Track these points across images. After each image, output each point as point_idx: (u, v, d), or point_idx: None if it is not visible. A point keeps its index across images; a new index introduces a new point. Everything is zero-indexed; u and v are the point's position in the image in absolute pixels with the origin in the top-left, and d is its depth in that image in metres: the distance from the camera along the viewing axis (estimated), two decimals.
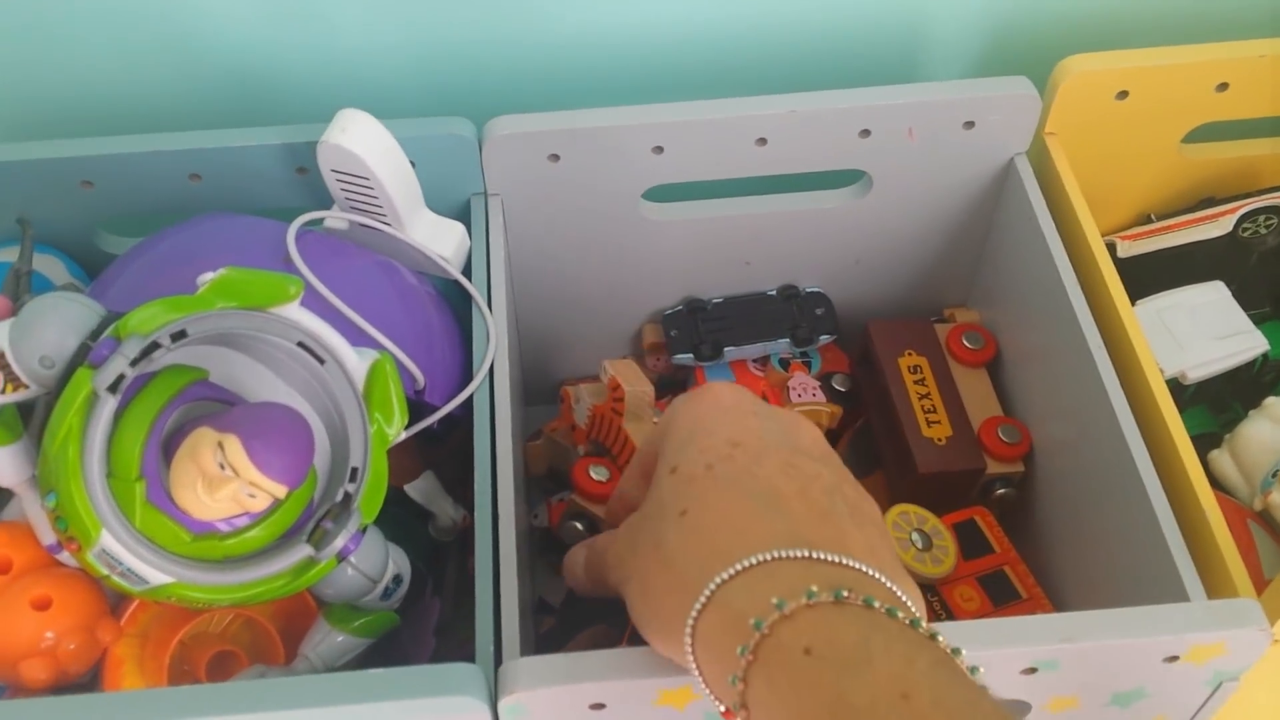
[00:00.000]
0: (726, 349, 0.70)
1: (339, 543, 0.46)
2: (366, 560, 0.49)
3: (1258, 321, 0.66)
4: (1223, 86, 0.64)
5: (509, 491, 0.53)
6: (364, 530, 0.47)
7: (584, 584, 0.51)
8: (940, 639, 0.37)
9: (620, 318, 0.74)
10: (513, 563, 0.51)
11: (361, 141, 0.56)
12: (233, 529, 0.46)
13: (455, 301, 0.63)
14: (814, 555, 0.39)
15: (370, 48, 0.70)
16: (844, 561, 0.39)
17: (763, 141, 0.62)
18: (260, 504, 0.44)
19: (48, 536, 0.49)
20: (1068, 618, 0.44)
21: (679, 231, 0.68)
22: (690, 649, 0.40)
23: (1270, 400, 0.59)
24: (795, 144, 0.63)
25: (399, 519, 0.61)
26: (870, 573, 0.39)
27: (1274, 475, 0.57)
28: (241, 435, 0.43)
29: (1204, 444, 0.62)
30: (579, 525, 0.63)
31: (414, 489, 0.60)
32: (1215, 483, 0.60)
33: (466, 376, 0.59)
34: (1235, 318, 0.62)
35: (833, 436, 0.70)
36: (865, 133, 0.63)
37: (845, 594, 0.37)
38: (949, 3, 0.72)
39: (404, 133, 0.59)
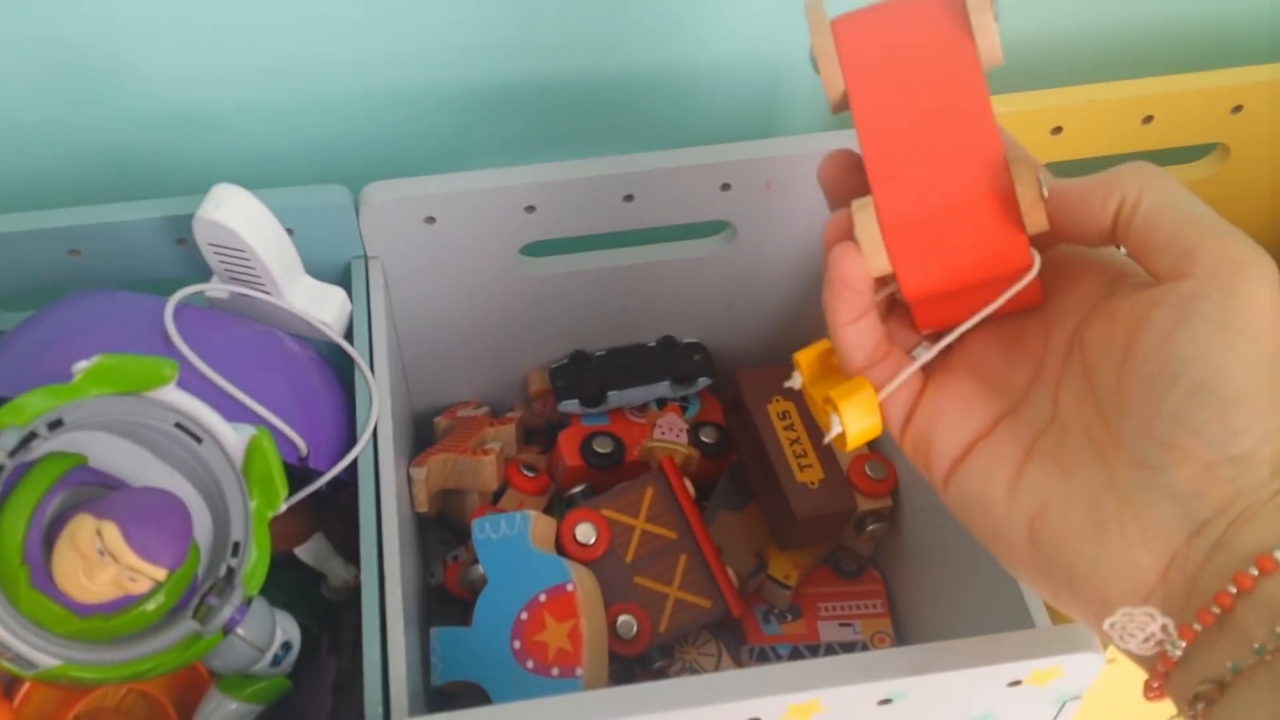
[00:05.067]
0: (610, 393, 0.72)
1: (223, 616, 0.48)
2: (253, 631, 0.50)
3: None
4: (1148, 119, 0.67)
5: (394, 552, 0.55)
6: (249, 602, 0.49)
7: None
8: None
9: (508, 367, 0.76)
10: (399, 621, 0.52)
11: (235, 216, 0.57)
12: (118, 609, 0.47)
13: (340, 364, 0.64)
14: None
15: (247, 117, 0.71)
16: None
17: (629, 198, 0.65)
18: (141, 586, 0.46)
19: None
20: (915, 650, 0.47)
21: (557, 284, 0.70)
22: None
23: None
24: (660, 199, 0.66)
25: (292, 581, 0.63)
26: None
27: None
28: (119, 521, 0.44)
29: None
30: None
31: (304, 551, 0.61)
32: None
33: (352, 437, 0.61)
34: None
35: (703, 482, 0.71)
36: (726, 186, 0.65)
37: None
38: (804, 60, 0.75)
39: (281, 202, 0.60)
